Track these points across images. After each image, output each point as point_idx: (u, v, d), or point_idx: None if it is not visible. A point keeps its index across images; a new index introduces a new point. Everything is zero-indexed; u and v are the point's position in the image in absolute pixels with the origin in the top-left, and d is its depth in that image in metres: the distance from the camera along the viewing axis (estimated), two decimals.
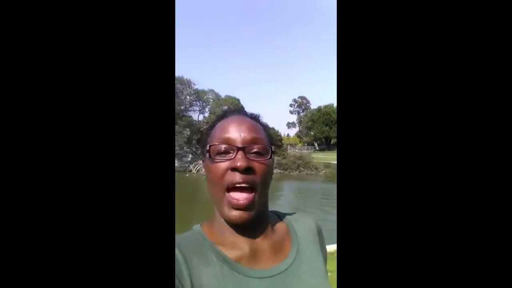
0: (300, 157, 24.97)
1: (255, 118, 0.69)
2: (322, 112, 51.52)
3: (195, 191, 12.37)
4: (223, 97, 32.64)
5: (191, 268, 0.55)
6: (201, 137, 0.72)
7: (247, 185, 0.59)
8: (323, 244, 0.73)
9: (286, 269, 0.63)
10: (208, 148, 0.62)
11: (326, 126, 50.24)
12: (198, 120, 28.99)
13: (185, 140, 23.87)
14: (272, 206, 0.73)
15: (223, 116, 0.68)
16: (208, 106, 31.30)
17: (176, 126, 23.31)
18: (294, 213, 0.76)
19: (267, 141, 0.65)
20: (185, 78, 28.73)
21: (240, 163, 0.58)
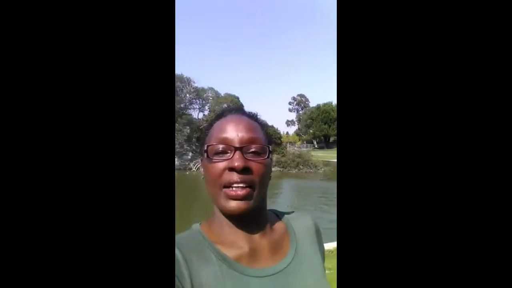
0: (299, 155, 24.96)
1: (253, 117, 0.69)
2: (321, 110, 51.48)
3: (195, 189, 12.36)
4: (222, 95, 32.63)
5: (190, 268, 0.55)
6: (200, 136, 0.72)
7: (244, 185, 0.59)
8: (321, 243, 0.74)
9: (285, 268, 0.63)
10: (205, 148, 0.62)
11: (325, 124, 50.22)
12: (198, 118, 28.98)
13: (185, 138, 23.85)
14: (271, 204, 0.74)
15: (221, 115, 0.68)
16: (208, 104, 31.30)
17: (176, 124, 23.27)
18: (293, 211, 0.77)
19: (265, 140, 0.65)
20: (185, 76, 28.70)
21: (237, 163, 0.58)
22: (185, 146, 23.87)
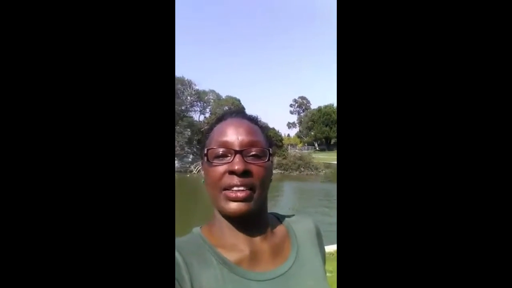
0: (301, 158, 24.92)
1: (253, 120, 0.69)
2: (322, 112, 51.49)
3: (196, 191, 12.36)
4: (223, 97, 32.68)
5: (191, 271, 0.55)
6: (201, 139, 0.72)
7: (245, 188, 0.59)
8: (322, 246, 0.73)
9: (285, 271, 0.63)
10: (206, 151, 0.62)
11: (326, 126, 50.20)
12: (199, 121, 29.00)
13: (186, 140, 23.87)
14: (272, 207, 0.74)
15: (221, 118, 0.68)
16: (209, 107, 31.33)
17: (177, 127, 23.31)
18: (293, 215, 0.76)
19: (265, 143, 0.65)
20: (186, 79, 28.75)
21: (237, 166, 0.58)
22: (186, 149, 23.88)
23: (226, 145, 0.61)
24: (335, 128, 48.55)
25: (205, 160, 0.62)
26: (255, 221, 0.64)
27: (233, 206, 0.59)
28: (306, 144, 54.76)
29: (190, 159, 23.69)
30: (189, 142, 24.07)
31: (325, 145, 52.54)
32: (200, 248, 0.61)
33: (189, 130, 24.69)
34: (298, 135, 61.71)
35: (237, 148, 0.60)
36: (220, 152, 0.61)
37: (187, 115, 27.79)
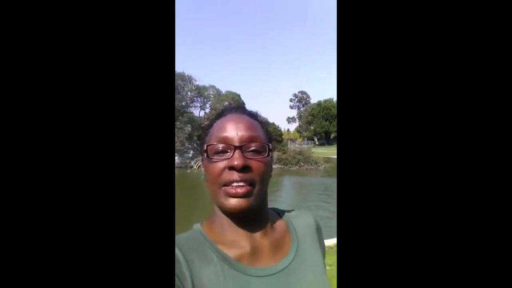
0: (300, 152, 24.93)
1: (253, 115, 0.68)
2: (322, 106, 51.42)
3: (197, 187, 12.38)
4: (224, 93, 32.56)
5: (192, 268, 0.56)
6: (201, 135, 0.72)
7: (244, 184, 0.59)
8: (321, 240, 0.74)
9: (286, 267, 0.63)
10: (205, 147, 0.62)
11: (326, 120, 50.16)
12: (199, 116, 28.95)
13: (186, 136, 23.85)
14: (272, 202, 0.74)
15: (221, 114, 0.68)
16: (209, 102, 31.23)
17: (177, 122, 23.26)
18: (293, 210, 0.77)
19: (265, 138, 0.65)
20: (186, 74, 28.63)
21: (237, 162, 0.58)
22: (186, 144, 23.87)
23: (225, 141, 0.61)
24: (334, 123, 48.53)
25: (205, 156, 0.63)
26: (255, 217, 0.64)
27: (233, 202, 0.59)
28: (305, 139, 54.79)
29: (190, 155, 23.69)
30: (190, 137, 24.06)
31: (325, 140, 52.54)
32: (200, 244, 0.61)
33: (189, 125, 24.65)
34: (297, 130, 61.70)
35: (236, 144, 0.61)
36: (220, 148, 0.61)
37: (187, 110, 27.73)
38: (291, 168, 22.65)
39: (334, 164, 23.23)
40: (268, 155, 0.63)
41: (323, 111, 50.64)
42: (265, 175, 0.63)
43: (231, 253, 0.61)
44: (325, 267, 0.69)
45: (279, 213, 0.74)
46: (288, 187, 15.61)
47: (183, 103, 27.32)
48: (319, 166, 23.54)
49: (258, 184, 0.61)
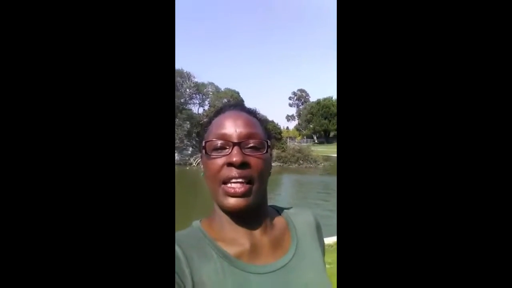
0: (300, 150, 24.96)
1: (252, 112, 0.68)
2: (321, 105, 51.44)
3: (196, 184, 12.38)
4: (222, 90, 32.57)
5: (191, 265, 0.56)
6: (200, 131, 0.72)
7: (243, 180, 0.59)
8: (321, 238, 0.74)
9: (285, 264, 0.63)
10: (204, 144, 0.62)
11: (325, 119, 50.21)
12: (198, 113, 28.94)
13: (185, 133, 23.85)
14: (271, 200, 0.74)
15: (220, 111, 0.68)
16: (208, 99, 31.23)
17: (176, 119, 23.24)
18: (293, 207, 0.77)
19: (263, 135, 0.65)
20: (185, 71, 28.59)
21: (235, 158, 0.58)
22: (185, 141, 23.88)
23: (224, 137, 0.61)
24: (334, 121, 48.63)
25: (204, 152, 0.62)
26: (255, 214, 0.64)
27: (232, 201, 0.59)
28: (305, 137, 54.85)
29: (189, 152, 23.69)
30: (188, 134, 24.05)
31: (324, 138, 52.62)
32: (200, 241, 0.61)
33: (188, 122, 24.64)
34: (297, 128, 61.75)
35: (235, 140, 0.60)
36: (218, 145, 0.61)
37: (186, 107, 27.71)
38: (291, 166, 22.68)
39: (333, 162, 23.28)
40: (266, 151, 0.63)
41: (322, 109, 50.66)
42: (264, 172, 0.63)
43: (231, 250, 0.61)
44: (325, 265, 0.69)
45: (279, 211, 0.74)
46: (288, 185, 15.63)
47: (182, 100, 27.30)
48: (318, 164, 23.58)
49: (257, 181, 0.61)
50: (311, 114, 52.69)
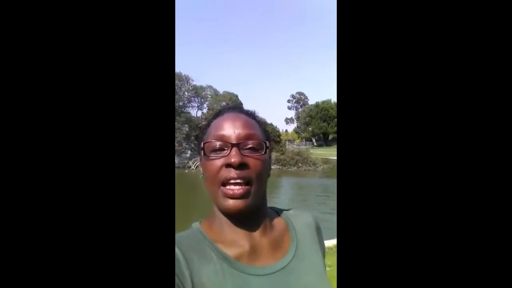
0: (299, 153, 24.99)
1: (250, 114, 0.69)
2: (320, 107, 51.53)
3: (195, 187, 12.36)
4: (221, 93, 32.63)
5: (191, 267, 0.55)
6: (199, 134, 0.72)
7: (242, 181, 0.59)
8: (321, 240, 0.74)
9: (285, 266, 0.63)
10: (202, 145, 0.62)
11: (324, 121, 50.28)
12: (197, 116, 28.98)
13: (184, 136, 23.85)
14: (270, 203, 0.74)
15: (218, 113, 0.68)
16: (207, 102, 31.30)
17: (175, 123, 23.23)
18: (292, 209, 0.77)
19: (262, 136, 0.65)
20: (183, 74, 28.66)
21: (234, 159, 0.58)
22: (183, 144, 23.87)
23: (222, 138, 0.61)
24: (332, 124, 48.72)
25: (202, 154, 0.63)
26: (254, 216, 0.64)
27: (231, 203, 0.59)
28: (304, 140, 54.92)
29: (188, 155, 23.67)
30: (187, 137, 24.05)
31: (323, 141, 52.67)
32: (200, 243, 0.61)
33: (187, 125, 24.66)
34: (296, 131, 61.83)
35: (233, 141, 0.61)
36: (217, 146, 0.61)
37: (185, 110, 27.76)
38: (290, 169, 22.68)
39: (332, 165, 23.30)
40: (265, 152, 0.63)
41: (321, 112, 50.75)
42: (263, 173, 0.63)
43: (231, 252, 0.61)
44: (325, 266, 0.69)
45: (278, 212, 0.74)
46: (287, 188, 15.61)
47: (181, 103, 27.32)
48: (318, 167, 23.59)
49: (256, 182, 0.61)
50: (310, 117, 52.77)
